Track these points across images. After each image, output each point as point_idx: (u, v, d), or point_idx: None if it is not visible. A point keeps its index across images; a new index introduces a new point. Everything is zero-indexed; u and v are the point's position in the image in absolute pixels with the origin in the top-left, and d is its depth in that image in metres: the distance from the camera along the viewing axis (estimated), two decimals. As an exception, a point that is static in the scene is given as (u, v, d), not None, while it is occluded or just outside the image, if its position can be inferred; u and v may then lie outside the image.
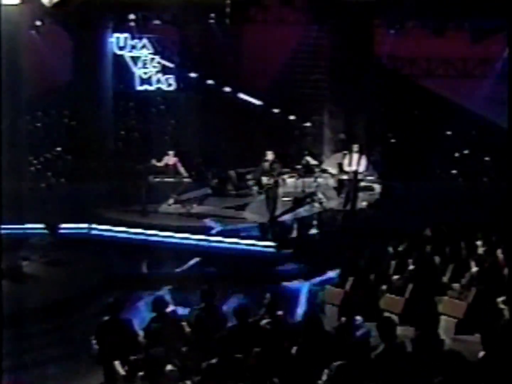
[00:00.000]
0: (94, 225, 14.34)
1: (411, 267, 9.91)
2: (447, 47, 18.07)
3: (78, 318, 10.45)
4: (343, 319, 7.67)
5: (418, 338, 7.00)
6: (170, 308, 8.07)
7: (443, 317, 9.43)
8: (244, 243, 13.54)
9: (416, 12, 17.05)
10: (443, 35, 17.64)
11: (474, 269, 9.64)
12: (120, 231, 14.21)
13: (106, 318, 7.76)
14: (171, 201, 16.08)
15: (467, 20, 17.25)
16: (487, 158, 18.50)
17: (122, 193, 16.04)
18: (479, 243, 11.45)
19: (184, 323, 8.07)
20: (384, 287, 10.06)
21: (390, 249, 11.36)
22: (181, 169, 16.01)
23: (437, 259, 10.58)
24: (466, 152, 18.82)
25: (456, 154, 18.87)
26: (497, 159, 18.05)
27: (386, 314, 9.69)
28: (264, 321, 7.83)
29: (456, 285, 9.88)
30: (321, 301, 10.50)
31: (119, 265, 12.91)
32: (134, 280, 12.21)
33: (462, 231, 12.21)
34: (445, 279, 10.38)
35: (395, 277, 10.38)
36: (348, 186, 15.85)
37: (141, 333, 7.71)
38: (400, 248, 11.40)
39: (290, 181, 16.75)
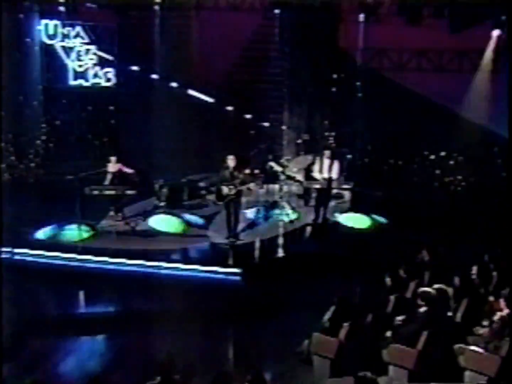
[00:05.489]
0: (18, 249, 11.94)
1: (423, 309, 7.79)
2: (421, 38, 16.25)
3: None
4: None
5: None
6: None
7: (467, 373, 7.55)
8: (202, 270, 11.21)
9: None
10: (419, 24, 15.80)
11: (506, 311, 7.60)
12: (50, 256, 11.88)
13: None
14: (111, 215, 13.62)
15: (447, 7, 15.38)
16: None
17: (52, 208, 13.58)
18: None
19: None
20: (388, 333, 8.00)
21: (388, 280, 9.25)
22: (129, 171, 13.53)
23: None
24: (443, 154, 17.06)
25: (432, 157, 17.14)
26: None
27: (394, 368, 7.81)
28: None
29: (479, 329, 7.85)
30: (306, 351, 8.38)
31: (48, 302, 10.58)
32: (66, 321, 9.95)
33: (467, 252, 10.34)
34: (457, 318, 8.44)
35: (399, 318, 8.30)
36: (318, 196, 13.89)
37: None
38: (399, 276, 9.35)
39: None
